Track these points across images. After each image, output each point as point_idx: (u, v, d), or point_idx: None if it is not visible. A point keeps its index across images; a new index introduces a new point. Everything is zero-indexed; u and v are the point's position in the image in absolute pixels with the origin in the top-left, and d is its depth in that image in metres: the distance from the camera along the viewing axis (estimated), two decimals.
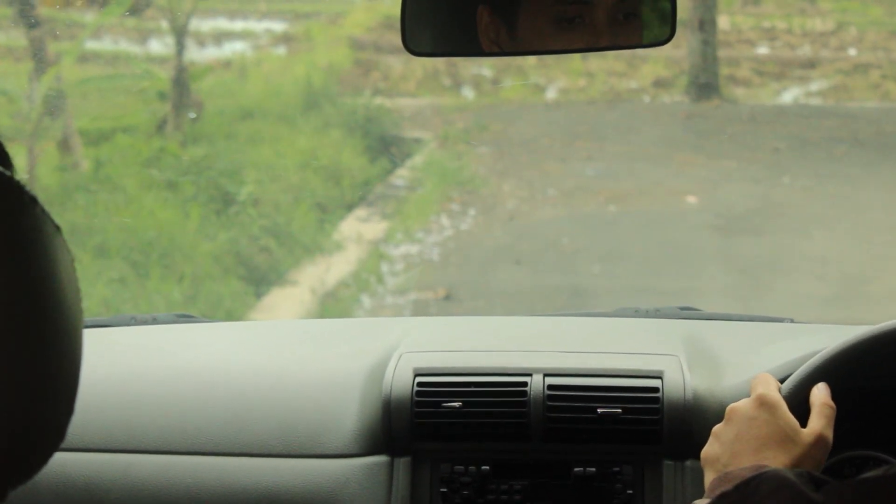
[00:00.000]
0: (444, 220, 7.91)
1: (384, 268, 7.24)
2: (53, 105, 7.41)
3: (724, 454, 1.59)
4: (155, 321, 2.43)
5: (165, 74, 9.11)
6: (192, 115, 8.84)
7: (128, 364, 2.21)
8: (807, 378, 1.73)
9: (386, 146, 8.95)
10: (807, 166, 8.89)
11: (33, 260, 0.80)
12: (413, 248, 7.47)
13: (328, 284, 6.81)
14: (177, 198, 7.10)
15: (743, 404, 1.63)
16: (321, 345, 2.30)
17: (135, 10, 8.80)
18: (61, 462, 1.99)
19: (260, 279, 6.77)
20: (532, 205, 8.19)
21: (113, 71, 9.20)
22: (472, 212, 8.07)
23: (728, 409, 1.65)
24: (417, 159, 8.89)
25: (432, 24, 1.78)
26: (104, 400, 2.10)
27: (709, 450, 1.64)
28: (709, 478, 1.60)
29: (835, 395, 1.68)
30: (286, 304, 6.62)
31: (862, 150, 9.22)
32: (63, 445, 0.85)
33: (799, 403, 1.66)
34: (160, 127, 8.40)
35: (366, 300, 6.83)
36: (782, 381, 1.76)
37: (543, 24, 1.73)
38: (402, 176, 8.70)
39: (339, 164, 8.33)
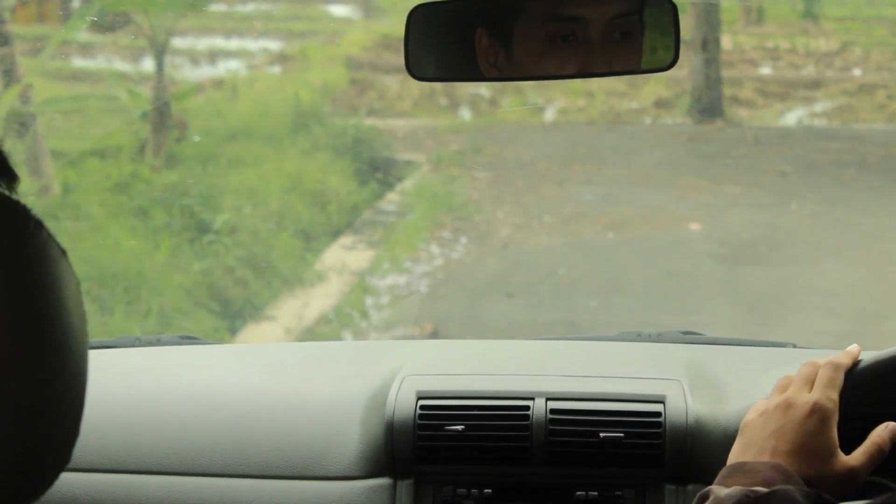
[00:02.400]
0: (434, 249, 7.26)
1: (368, 301, 6.58)
2: (18, 125, 6.77)
3: (759, 437, 1.50)
4: (159, 342, 2.39)
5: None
6: (176, 136, 8.24)
7: (132, 385, 2.17)
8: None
9: (376, 169, 8.32)
10: (815, 191, 8.25)
11: (39, 283, 0.78)
12: (400, 279, 6.81)
13: (307, 320, 6.14)
14: (147, 226, 6.45)
15: (801, 404, 1.52)
16: (324, 367, 2.25)
17: (113, 28, 8.17)
18: (67, 482, 1.98)
19: (234, 314, 6.11)
20: (527, 232, 7.54)
21: (90, 90, 8.57)
22: (463, 239, 7.43)
23: (785, 400, 1.53)
24: (408, 183, 8.24)
25: (436, 50, 1.73)
26: (109, 421, 2.06)
27: (753, 429, 1.52)
28: (735, 450, 1.52)
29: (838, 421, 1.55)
30: (261, 341, 5.97)
31: (871, 175, 8.58)
32: (69, 466, 0.84)
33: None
34: (142, 149, 7.79)
35: (347, 337, 6.16)
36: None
37: (537, 44, 1.68)
38: (391, 201, 8.05)
39: (325, 189, 7.69)
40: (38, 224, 0.80)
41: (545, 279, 6.79)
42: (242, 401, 2.10)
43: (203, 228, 6.53)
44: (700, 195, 8.14)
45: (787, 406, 1.52)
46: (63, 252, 0.82)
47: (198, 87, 10.13)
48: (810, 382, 1.56)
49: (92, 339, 1.54)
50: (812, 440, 1.49)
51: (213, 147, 8.22)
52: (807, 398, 1.53)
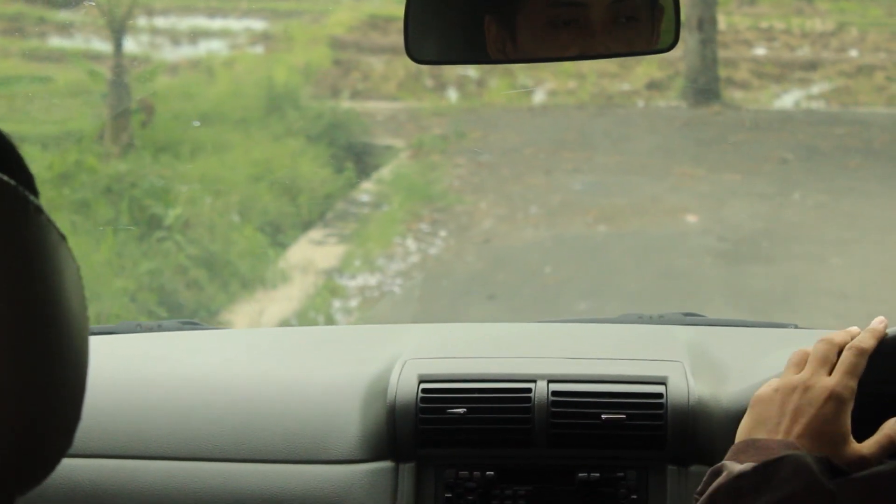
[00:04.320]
0: (411, 244, 6.39)
1: (336, 304, 5.70)
2: None
3: (773, 415, 1.41)
4: (160, 328, 2.31)
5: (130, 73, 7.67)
6: (142, 120, 7.37)
7: (134, 371, 2.09)
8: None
9: (353, 155, 7.46)
10: (818, 180, 7.39)
11: (38, 269, 0.75)
12: (372, 279, 5.94)
13: (265, 327, 5.27)
14: (89, 222, 5.56)
15: (819, 388, 1.40)
16: (326, 351, 2.17)
17: (72, 5, 7.29)
18: (69, 468, 1.88)
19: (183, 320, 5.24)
20: (511, 225, 6.67)
21: (54, 70, 7.70)
22: (442, 233, 6.56)
23: (802, 382, 1.41)
24: (386, 171, 7.36)
25: (436, 32, 1.64)
26: (111, 406, 1.98)
27: (766, 406, 1.42)
28: (745, 424, 1.43)
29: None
30: None
31: (878, 162, 7.72)
32: (70, 451, 0.81)
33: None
34: (102, 134, 6.93)
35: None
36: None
37: (539, 29, 1.62)
38: (367, 190, 7.16)
39: (296, 177, 6.83)
40: (38, 209, 0.75)
41: (530, 278, 5.93)
42: (244, 385, 2.03)
43: (153, 224, 5.66)
44: (697, 184, 7.28)
45: (805, 388, 1.43)
46: (63, 237, 0.77)
47: (172, 68, 9.33)
48: (828, 363, 1.44)
49: (92, 325, 1.51)
50: (827, 426, 1.41)
51: (180, 132, 7.37)
52: (825, 383, 1.43)
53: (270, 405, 1.98)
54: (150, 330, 2.31)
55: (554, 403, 1.89)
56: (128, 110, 7.16)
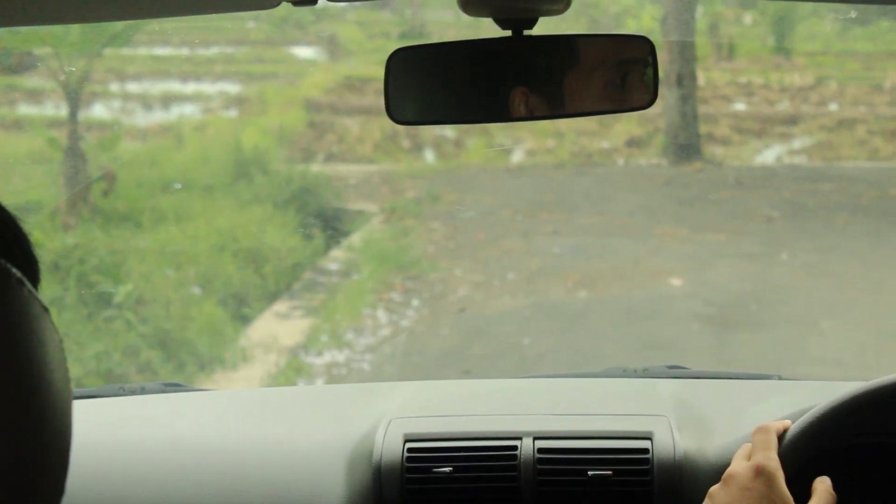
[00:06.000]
0: (382, 315, 5.90)
1: (300, 385, 5.21)
2: None
3: (732, 502, 1.49)
4: (143, 391, 2.24)
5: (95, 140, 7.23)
6: (103, 189, 6.91)
7: (117, 435, 2.01)
8: (803, 432, 1.61)
9: (323, 221, 6.99)
10: (806, 238, 6.93)
11: (21, 341, 0.73)
12: (340, 356, 5.44)
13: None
14: None
15: (741, 470, 1.52)
16: (310, 412, 2.09)
17: (20, 69, 6.84)
18: None
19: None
20: (488, 292, 6.19)
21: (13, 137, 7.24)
22: (415, 302, 6.07)
23: (726, 472, 1.52)
24: (356, 237, 6.88)
25: (416, 93, 1.62)
26: (94, 471, 1.92)
27: (721, 496, 1.51)
28: None
29: (825, 452, 1.63)
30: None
31: (866, 218, 7.27)
32: None
33: (795, 456, 1.59)
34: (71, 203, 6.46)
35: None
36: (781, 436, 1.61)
37: (515, 87, 1.58)
38: (336, 258, 6.67)
39: (262, 246, 6.35)
40: (20, 281, 0.74)
41: (508, 351, 5.44)
42: (228, 448, 1.96)
43: (103, 302, 5.17)
44: (680, 245, 6.82)
45: (730, 477, 1.52)
46: (45, 309, 0.76)
47: (141, 134, 8.91)
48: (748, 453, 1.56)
49: (75, 390, 1.46)
50: (765, 500, 1.48)
51: (144, 200, 6.90)
52: (747, 464, 1.53)
53: (255, 468, 1.92)
54: (133, 393, 2.26)
55: (540, 461, 1.85)
56: (89, 179, 6.70)
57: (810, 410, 1.65)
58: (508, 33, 1.55)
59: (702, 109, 9.30)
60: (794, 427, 1.63)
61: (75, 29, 6.32)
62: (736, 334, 5.65)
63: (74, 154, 6.38)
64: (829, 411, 1.63)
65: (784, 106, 10.27)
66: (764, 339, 5.58)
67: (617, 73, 1.59)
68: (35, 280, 0.79)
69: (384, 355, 5.48)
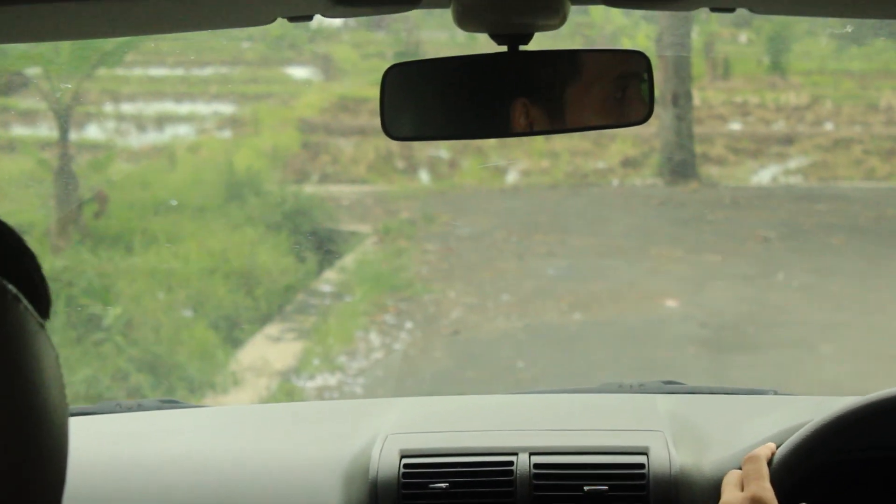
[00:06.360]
0: (374, 338, 5.82)
1: None
2: None
3: None
4: (140, 407, 2.23)
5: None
6: (95, 210, 6.83)
7: (114, 451, 2.00)
8: (795, 450, 1.63)
9: (316, 243, 6.91)
10: (803, 259, 6.86)
11: (17, 357, 0.72)
12: (332, 379, 5.35)
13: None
14: None
15: (736, 501, 1.53)
16: (307, 428, 2.09)
17: (10, 90, 6.77)
18: None
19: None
20: (482, 315, 6.11)
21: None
22: (408, 325, 5.99)
23: (722, 501, 1.54)
24: (349, 259, 6.80)
25: (412, 109, 1.61)
26: (91, 488, 1.91)
27: None
28: None
29: (821, 466, 1.63)
30: None
31: (863, 239, 7.20)
32: None
33: (789, 474, 1.60)
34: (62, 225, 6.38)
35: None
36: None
37: (509, 102, 1.58)
38: (329, 280, 6.59)
39: (255, 268, 6.27)
40: (15, 298, 0.73)
41: (501, 374, 5.36)
42: (224, 465, 1.95)
43: (92, 325, 5.09)
44: (676, 267, 6.74)
45: None
46: (41, 325, 0.76)
47: (134, 155, 8.84)
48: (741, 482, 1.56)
49: (71, 406, 1.43)
50: None
51: (134, 222, 6.82)
52: (742, 495, 1.53)
53: (252, 484, 1.91)
54: (130, 409, 2.24)
55: (536, 476, 1.85)
56: (80, 200, 6.63)
57: (806, 425, 1.67)
58: (504, 49, 1.54)
59: (697, 129, 9.25)
60: (789, 442, 1.65)
61: (65, 49, 6.25)
62: (732, 357, 5.57)
63: (65, 175, 6.30)
64: (824, 426, 1.65)
65: (780, 125, 10.22)
66: (761, 363, 5.50)
67: (613, 88, 1.59)
68: (36, 296, 0.77)
69: (376, 379, 5.39)
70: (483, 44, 1.58)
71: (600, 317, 6.07)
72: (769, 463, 1.65)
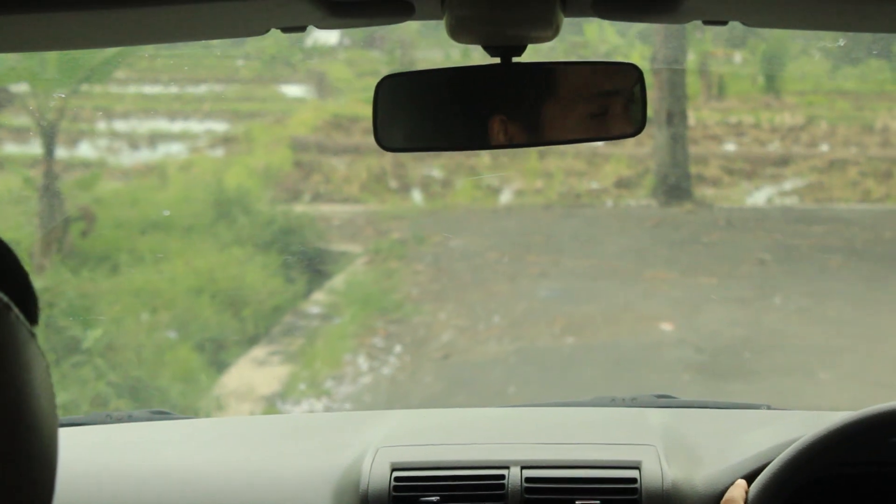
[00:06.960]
0: (363, 362, 5.67)
1: None
2: None
3: None
4: (130, 418, 2.21)
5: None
6: (82, 229, 6.68)
7: (104, 462, 1.98)
8: (788, 465, 1.63)
9: (305, 263, 6.76)
10: (799, 282, 6.71)
11: (7, 366, 0.71)
12: (318, 405, 5.20)
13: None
14: None
15: None
16: (298, 440, 2.07)
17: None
18: None
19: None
20: (473, 338, 5.96)
21: None
22: (398, 348, 5.84)
23: None
24: (339, 279, 6.65)
25: (404, 120, 1.60)
26: (80, 498, 1.89)
27: None
28: None
29: (813, 481, 1.64)
30: None
31: (861, 261, 7.06)
32: None
33: (782, 489, 1.59)
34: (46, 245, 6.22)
35: None
36: (759, 470, 1.66)
37: (501, 114, 1.59)
38: (318, 301, 6.44)
39: (242, 288, 6.12)
40: (6, 307, 0.73)
41: (492, 400, 5.21)
42: (215, 476, 1.92)
43: (71, 347, 4.93)
44: (670, 289, 6.60)
45: None
46: (32, 334, 0.75)
47: (124, 173, 8.70)
48: None
49: (62, 417, 1.43)
50: None
51: (124, 241, 6.67)
52: None
53: (242, 496, 1.88)
54: (121, 420, 2.21)
55: (528, 490, 1.83)
56: (65, 219, 6.48)
57: (799, 440, 1.65)
58: (497, 61, 1.52)
59: (692, 150, 9.13)
60: (781, 456, 1.64)
61: (51, 64, 6.11)
62: (728, 383, 5.42)
63: (50, 193, 6.15)
64: (816, 441, 1.64)
65: (775, 146, 10.10)
66: (758, 389, 5.35)
67: (606, 100, 1.58)
68: (26, 306, 0.75)
69: (364, 405, 5.23)
70: (477, 62, 1.57)
71: (593, 340, 5.92)
72: (745, 502, 1.65)
